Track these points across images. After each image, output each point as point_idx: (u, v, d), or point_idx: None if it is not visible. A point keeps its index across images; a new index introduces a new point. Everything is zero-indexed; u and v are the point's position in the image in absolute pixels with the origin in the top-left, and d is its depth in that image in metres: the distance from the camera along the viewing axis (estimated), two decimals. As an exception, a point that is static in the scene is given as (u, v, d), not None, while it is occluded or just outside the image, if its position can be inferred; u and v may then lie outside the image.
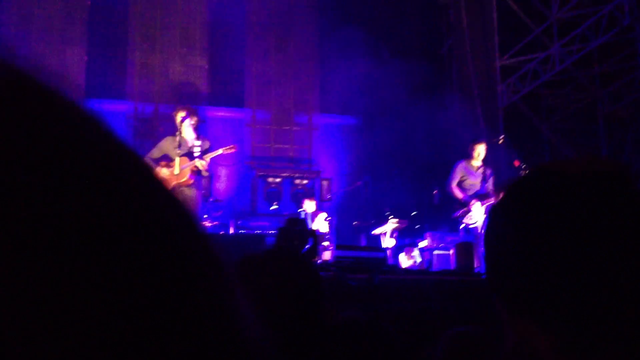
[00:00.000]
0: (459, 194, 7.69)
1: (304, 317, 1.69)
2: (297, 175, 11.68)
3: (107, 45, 11.68)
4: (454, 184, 7.74)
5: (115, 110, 11.76)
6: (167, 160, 6.87)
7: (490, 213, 0.79)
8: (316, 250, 6.28)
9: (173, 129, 6.97)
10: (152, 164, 6.60)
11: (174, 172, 6.57)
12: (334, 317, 2.25)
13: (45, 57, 11.33)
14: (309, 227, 6.72)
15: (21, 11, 11.44)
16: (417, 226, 10.58)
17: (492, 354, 1.73)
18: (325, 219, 9.76)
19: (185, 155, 6.71)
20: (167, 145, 6.86)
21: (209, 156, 6.72)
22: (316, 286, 1.75)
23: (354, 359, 1.88)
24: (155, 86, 11.84)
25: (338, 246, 7.09)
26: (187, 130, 6.77)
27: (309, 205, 9.90)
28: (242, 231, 9.84)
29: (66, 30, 11.52)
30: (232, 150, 7.03)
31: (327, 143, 12.64)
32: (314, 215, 9.83)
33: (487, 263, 0.78)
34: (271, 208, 11.26)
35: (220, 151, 6.92)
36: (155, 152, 6.88)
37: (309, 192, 11.29)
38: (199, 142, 6.82)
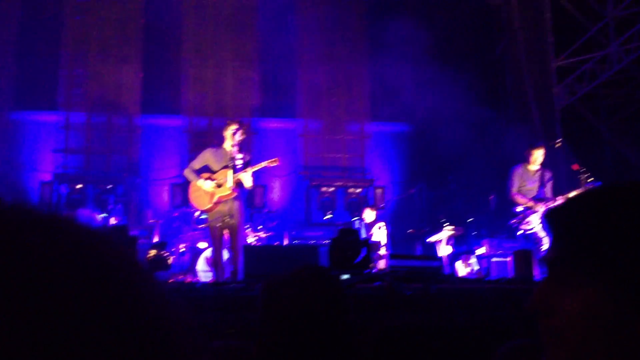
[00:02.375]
0: (521, 199, 7.51)
1: (328, 337, 1.69)
2: (350, 184, 11.67)
3: (161, 61, 11.97)
4: (514, 190, 7.56)
5: (170, 125, 12.03)
6: (208, 171, 6.86)
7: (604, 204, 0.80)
8: (369, 259, 6.24)
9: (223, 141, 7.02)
10: (193, 175, 6.68)
11: (226, 185, 6.62)
12: (375, 326, 2.22)
13: (103, 76, 11.69)
14: (362, 236, 6.68)
15: (78, 32, 11.84)
16: (473, 233, 10.38)
17: None
18: (380, 228, 9.70)
19: (226, 167, 6.72)
20: (209, 156, 6.89)
21: (252, 169, 6.72)
22: (341, 306, 1.74)
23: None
24: (208, 100, 12.06)
25: (392, 255, 7.03)
26: (232, 143, 6.77)
27: (369, 215, 9.86)
28: (296, 241, 9.88)
29: (122, 48, 11.88)
30: (275, 164, 6.97)
31: (379, 151, 12.58)
32: (372, 224, 9.79)
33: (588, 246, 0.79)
34: (325, 218, 11.28)
35: (264, 164, 6.88)
36: (197, 163, 6.91)
37: (363, 201, 11.25)
38: (240, 155, 6.82)
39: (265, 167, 6.92)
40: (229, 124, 6.93)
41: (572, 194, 7.26)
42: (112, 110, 11.79)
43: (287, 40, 12.21)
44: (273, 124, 12.40)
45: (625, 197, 0.79)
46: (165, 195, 11.40)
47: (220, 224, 6.60)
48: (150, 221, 9.55)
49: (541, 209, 7.31)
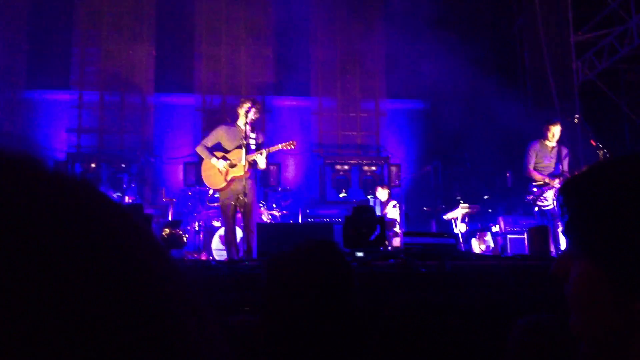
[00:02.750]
0: (537, 176, 7.41)
1: (334, 310, 1.66)
2: (365, 162, 11.59)
3: (174, 39, 11.91)
4: (530, 167, 7.46)
5: (184, 103, 12.00)
6: (220, 148, 6.77)
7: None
8: (384, 237, 6.19)
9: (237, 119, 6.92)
10: (206, 152, 6.58)
11: (240, 165, 6.52)
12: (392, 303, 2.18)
13: (115, 55, 11.67)
14: (377, 214, 6.62)
15: (91, 10, 11.80)
16: (489, 210, 10.30)
17: (565, 343, 1.66)
18: (394, 207, 9.65)
19: (240, 147, 6.64)
20: (222, 134, 6.78)
21: (268, 151, 6.63)
22: (347, 280, 1.72)
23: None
24: (222, 78, 12.00)
25: (406, 233, 6.98)
26: (246, 122, 6.69)
27: (382, 193, 9.81)
28: (311, 220, 9.85)
29: (135, 27, 11.83)
30: (292, 147, 6.86)
31: (394, 128, 12.48)
32: (386, 202, 9.74)
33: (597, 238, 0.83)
34: (340, 196, 11.23)
35: (279, 146, 6.78)
36: (209, 141, 6.80)
37: (378, 179, 11.19)
38: (254, 135, 6.74)
39: (281, 149, 6.83)
40: (242, 102, 6.83)
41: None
42: (125, 89, 11.78)
43: (301, 17, 12.09)
44: (287, 102, 12.34)
45: (623, 170, 0.83)
46: (179, 174, 11.40)
47: (233, 202, 6.54)
48: (165, 199, 9.55)
49: (557, 185, 7.21)
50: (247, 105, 6.73)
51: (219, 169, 6.64)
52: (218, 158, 6.64)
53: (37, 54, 11.52)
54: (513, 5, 12.37)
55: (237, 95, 11.76)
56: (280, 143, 6.81)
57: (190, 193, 9.74)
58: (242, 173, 6.53)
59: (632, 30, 9.60)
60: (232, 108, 11.70)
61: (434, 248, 6.04)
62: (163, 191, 9.71)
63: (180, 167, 11.34)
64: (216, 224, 8.90)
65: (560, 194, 0.89)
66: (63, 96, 11.74)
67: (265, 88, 12.06)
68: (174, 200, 9.63)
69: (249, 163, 6.57)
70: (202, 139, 6.97)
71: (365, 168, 11.52)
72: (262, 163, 6.60)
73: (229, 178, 6.59)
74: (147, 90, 11.85)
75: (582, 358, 0.89)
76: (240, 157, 6.55)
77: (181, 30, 12.04)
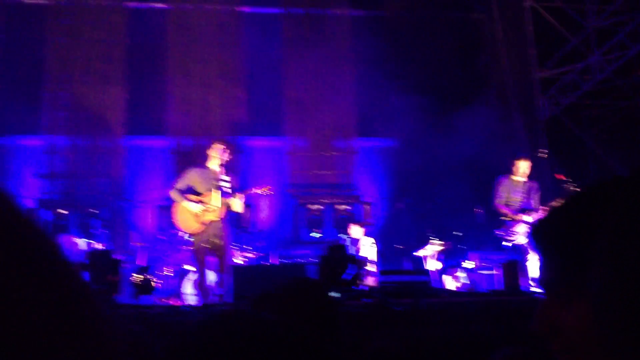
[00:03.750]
0: (503, 210, 7.50)
1: (321, 347, 1.65)
2: (338, 201, 11.62)
3: (146, 82, 11.89)
4: (498, 202, 7.54)
5: (156, 146, 11.95)
6: (192, 191, 6.71)
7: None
8: (358, 276, 6.19)
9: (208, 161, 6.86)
10: (179, 196, 6.50)
11: (215, 208, 6.47)
12: (365, 345, 2.18)
13: (87, 98, 11.61)
14: (350, 253, 6.62)
15: (61, 54, 11.77)
16: (461, 247, 10.36)
17: None
18: (372, 245, 9.64)
19: (213, 190, 6.57)
20: (194, 177, 6.72)
21: (243, 196, 6.62)
22: (333, 317, 1.72)
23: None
24: (194, 119, 11.99)
25: (381, 272, 6.98)
26: (218, 164, 6.68)
27: (355, 231, 9.80)
28: (285, 261, 9.78)
29: (106, 70, 11.81)
30: (268, 193, 6.85)
31: (367, 167, 12.55)
32: (359, 240, 9.74)
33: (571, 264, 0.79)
34: (314, 235, 11.21)
35: (256, 191, 6.79)
36: (182, 184, 6.70)
37: (351, 218, 11.20)
38: (227, 178, 6.71)
39: (258, 194, 6.81)
40: (215, 144, 6.80)
41: (553, 204, 7.26)
42: (96, 132, 11.68)
43: (273, 57, 12.20)
44: (259, 142, 12.36)
45: (596, 198, 0.79)
46: (151, 218, 11.29)
47: (206, 245, 6.46)
48: (135, 244, 9.42)
49: (527, 218, 7.30)
50: (220, 147, 6.69)
51: (194, 213, 6.57)
52: (193, 202, 6.56)
53: (7, 99, 11.41)
54: (477, 44, 12.68)
55: (210, 136, 11.76)
56: (256, 187, 6.80)
57: (162, 237, 9.63)
58: (217, 217, 6.49)
59: (594, 66, 9.90)
60: (204, 149, 11.63)
61: (409, 286, 6.05)
62: (131, 235, 9.57)
63: (152, 210, 11.24)
64: (189, 268, 8.77)
65: (540, 238, 0.83)
66: (33, 142, 11.61)
67: (238, 128, 12.07)
68: (144, 244, 9.50)
69: (224, 206, 6.54)
70: (175, 181, 6.90)
71: (339, 207, 11.54)
72: (238, 207, 6.58)
73: (202, 221, 6.51)
74: (119, 133, 11.76)
75: None
76: (215, 201, 6.50)
77: (153, 72, 12.04)
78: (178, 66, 12.09)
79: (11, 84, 11.49)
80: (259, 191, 6.78)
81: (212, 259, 6.60)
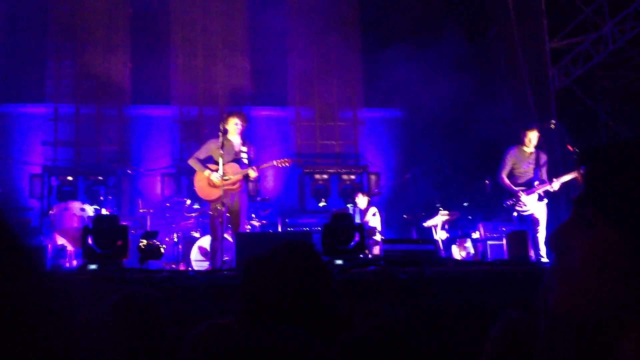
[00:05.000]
0: (505, 183, 7.44)
1: (312, 312, 1.65)
2: (344, 171, 11.57)
3: (150, 51, 11.82)
4: (503, 173, 7.48)
5: (160, 115, 11.90)
6: (212, 162, 6.97)
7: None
8: (363, 245, 6.15)
9: (218, 131, 6.98)
10: (199, 165, 6.79)
11: (224, 177, 6.70)
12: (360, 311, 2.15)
13: (91, 67, 11.56)
14: (356, 222, 6.59)
15: (65, 23, 11.69)
16: (469, 217, 10.31)
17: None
18: (374, 214, 9.62)
19: (233, 160, 6.84)
20: (213, 148, 6.99)
21: (260, 167, 6.96)
22: (324, 280, 1.70)
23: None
24: (199, 89, 11.93)
25: (385, 240, 6.95)
26: (235, 135, 6.90)
27: (361, 200, 9.78)
28: (290, 229, 9.80)
29: (110, 39, 11.73)
30: (286, 164, 7.14)
31: (373, 137, 12.48)
32: (365, 210, 9.72)
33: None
34: (319, 205, 11.19)
35: (273, 163, 7.08)
36: (202, 153, 7.04)
37: (357, 188, 11.16)
38: (245, 148, 7.00)
39: (273, 166, 7.13)
40: (229, 117, 7.02)
41: (566, 177, 7.19)
42: (101, 101, 11.65)
43: (277, 27, 12.06)
44: (264, 112, 12.29)
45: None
46: (157, 186, 11.30)
47: (220, 212, 6.67)
48: (141, 211, 9.44)
49: (524, 195, 7.25)
50: (234, 119, 6.90)
51: (213, 182, 6.81)
52: (212, 170, 6.84)
53: (12, 67, 11.37)
54: (489, 13, 12.47)
55: (215, 106, 11.70)
56: (276, 159, 7.13)
57: (168, 204, 9.63)
58: (235, 186, 6.80)
59: (607, 36, 9.70)
60: (209, 119, 11.67)
61: (414, 254, 6.00)
62: (140, 202, 9.60)
63: (158, 178, 11.25)
64: (195, 235, 8.82)
65: (583, 161, 0.86)
66: (38, 109, 11.59)
67: (243, 98, 12.00)
68: (151, 211, 9.52)
69: (242, 176, 6.80)
70: (180, 150, 7.19)
71: (345, 177, 11.50)
72: (253, 175, 6.88)
73: (221, 191, 6.73)
74: (124, 102, 11.73)
75: (561, 343, 0.86)
76: (233, 170, 6.81)
77: (157, 41, 11.96)
78: (183, 35, 11.99)
79: (16, 53, 11.43)
80: (276, 163, 7.08)
81: (223, 225, 6.78)
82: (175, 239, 8.70)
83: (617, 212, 0.79)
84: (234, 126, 6.93)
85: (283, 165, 7.12)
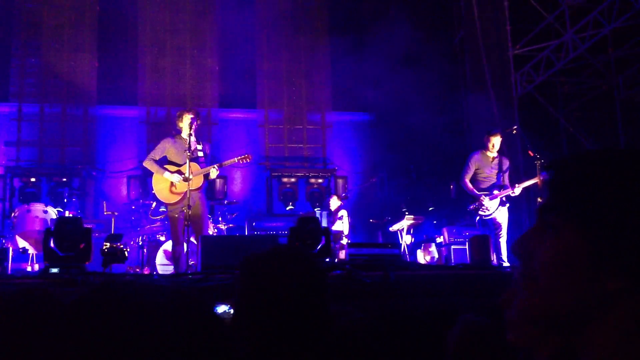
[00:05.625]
0: (468, 187, 7.57)
1: (306, 313, 1.69)
2: (311, 174, 11.61)
3: (117, 50, 11.71)
4: (466, 178, 7.60)
5: (127, 115, 11.79)
6: (166, 161, 6.74)
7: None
8: (329, 248, 6.20)
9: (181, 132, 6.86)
10: (156, 166, 6.54)
11: (192, 178, 6.49)
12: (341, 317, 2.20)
13: (56, 65, 11.39)
14: (322, 226, 6.63)
15: (30, 20, 11.50)
16: (434, 221, 10.44)
17: (499, 347, 1.75)
18: (341, 218, 9.69)
19: (191, 160, 6.59)
20: (168, 147, 6.73)
21: (221, 165, 6.69)
22: (320, 283, 1.74)
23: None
24: (166, 89, 11.84)
25: (351, 244, 7.01)
26: (189, 134, 6.66)
27: (334, 203, 9.88)
28: (257, 232, 9.79)
29: (76, 37, 11.57)
30: (248, 160, 6.96)
31: (341, 141, 12.56)
32: (335, 213, 9.79)
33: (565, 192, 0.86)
34: (287, 208, 11.21)
35: (235, 160, 6.86)
36: (157, 154, 6.74)
37: (325, 191, 11.22)
38: (200, 146, 6.77)
39: (235, 163, 6.91)
40: (183, 113, 6.79)
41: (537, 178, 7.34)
42: (66, 100, 11.48)
43: (247, 28, 12.06)
44: (233, 114, 12.27)
45: (621, 160, 0.85)
46: (122, 188, 11.19)
47: (183, 216, 6.47)
48: (106, 213, 9.33)
49: (487, 199, 7.39)
50: (189, 116, 6.69)
51: (172, 183, 6.59)
52: (171, 172, 6.59)
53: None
54: (454, 19, 12.66)
55: (182, 107, 11.63)
56: (236, 157, 6.88)
57: (133, 207, 9.55)
58: (195, 186, 6.54)
59: (568, 43, 9.94)
60: (175, 120, 11.57)
61: (379, 258, 6.07)
62: (104, 205, 9.48)
63: (124, 180, 11.14)
64: (161, 238, 8.74)
65: (549, 169, 0.90)
66: (2, 108, 11.38)
67: (211, 100, 11.96)
68: (116, 214, 9.42)
69: (201, 176, 6.58)
70: (147, 151, 6.92)
71: (312, 180, 11.53)
72: (213, 174, 6.65)
73: (180, 191, 6.54)
74: (90, 102, 11.57)
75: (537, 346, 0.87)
76: (192, 171, 6.52)
77: (124, 40, 11.85)
78: (150, 35, 11.88)
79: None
80: (238, 159, 6.84)
81: (186, 229, 6.61)
82: (140, 243, 8.62)
83: (580, 218, 0.82)
84: (188, 123, 6.61)
85: (244, 161, 6.92)
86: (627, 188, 0.81)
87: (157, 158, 6.71)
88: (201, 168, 6.64)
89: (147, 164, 6.72)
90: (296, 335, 1.67)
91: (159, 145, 6.79)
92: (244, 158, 6.88)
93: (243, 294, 1.72)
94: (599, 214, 0.81)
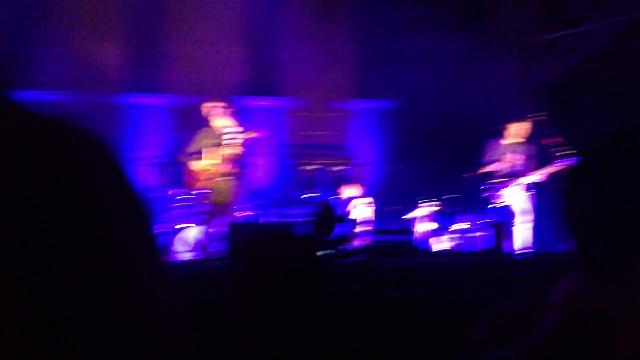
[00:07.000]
0: (487, 174, 7.54)
1: (302, 295, 1.75)
2: (333, 162, 11.64)
3: (143, 39, 11.80)
4: (484, 165, 7.58)
5: (152, 104, 11.92)
6: (201, 152, 6.92)
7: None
8: (346, 236, 6.28)
9: (209, 121, 7.03)
10: (188, 157, 6.72)
11: (220, 163, 6.67)
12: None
13: (82, 54, 11.52)
14: (339, 213, 6.72)
15: (58, 9, 11.63)
16: (450, 209, 10.42)
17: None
18: (365, 205, 9.72)
19: (218, 145, 6.82)
20: (201, 137, 6.95)
21: (238, 141, 6.95)
22: (313, 266, 1.80)
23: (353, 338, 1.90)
24: (191, 78, 11.92)
25: (370, 232, 7.08)
26: (219, 121, 6.86)
27: (348, 191, 9.89)
28: (280, 219, 9.90)
29: (102, 26, 11.67)
30: (254, 135, 7.08)
31: (363, 128, 12.55)
32: (353, 200, 9.83)
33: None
34: (307, 196, 11.28)
35: (246, 135, 7.11)
36: (191, 146, 7.06)
37: (346, 179, 11.26)
38: (230, 130, 7.06)
39: (246, 139, 7.02)
40: (211, 104, 6.97)
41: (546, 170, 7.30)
42: (93, 89, 11.63)
43: (272, 16, 12.08)
44: (256, 102, 12.33)
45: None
46: (149, 175, 11.35)
47: (213, 202, 6.64)
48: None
49: (505, 187, 7.36)
50: (219, 105, 6.88)
51: (205, 170, 6.81)
52: (200, 159, 6.88)
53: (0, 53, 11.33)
54: (479, 3, 12.51)
55: (207, 95, 11.73)
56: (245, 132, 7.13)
57: (157, 194, 9.71)
58: (225, 174, 6.82)
59: (600, 30, 9.76)
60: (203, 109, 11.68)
61: (395, 246, 6.14)
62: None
63: (150, 168, 11.29)
64: (180, 226, 8.86)
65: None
66: (27, 97, 11.55)
67: (235, 88, 12.03)
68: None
69: (230, 159, 6.84)
70: (174, 139, 7.16)
71: (334, 168, 11.57)
72: (238, 153, 7.01)
73: (209, 177, 6.71)
74: (117, 90, 11.71)
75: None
76: (220, 156, 6.84)
77: (151, 28, 11.93)
78: (175, 23, 11.97)
79: (5, 38, 11.39)
80: (244, 137, 7.09)
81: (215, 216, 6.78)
82: (166, 229, 8.75)
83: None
84: (220, 112, 7.00)
85: (250, 136, 7.13)
86: None
87: (192, 150, 7.05)
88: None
89: (182, 157, 7.18)
90: (295, 314, 1.71)
91: (194, 138, 7.18)
92: (249, 134, 7.08)
93: (237, 277, 1.79)
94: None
